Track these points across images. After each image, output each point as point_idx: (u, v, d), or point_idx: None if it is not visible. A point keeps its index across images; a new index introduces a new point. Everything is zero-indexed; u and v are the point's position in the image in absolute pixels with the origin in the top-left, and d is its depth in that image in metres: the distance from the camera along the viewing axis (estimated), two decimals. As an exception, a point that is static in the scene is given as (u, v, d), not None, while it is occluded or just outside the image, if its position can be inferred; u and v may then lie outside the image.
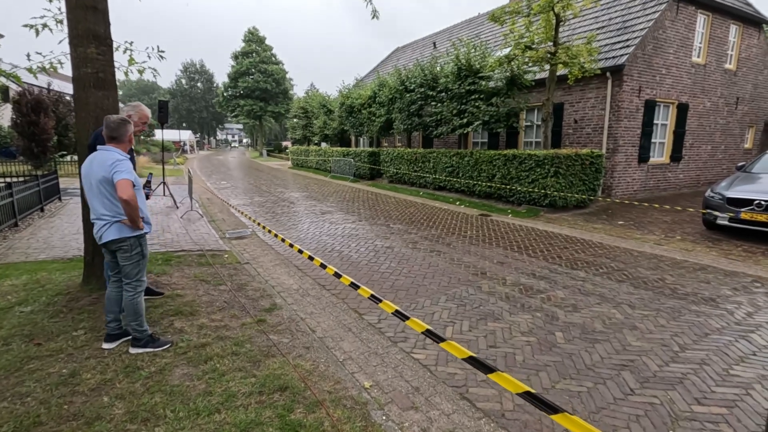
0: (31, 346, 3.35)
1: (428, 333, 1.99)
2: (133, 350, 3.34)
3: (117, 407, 2.64)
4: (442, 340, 1.90)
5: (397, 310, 2.28)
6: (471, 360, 1.79)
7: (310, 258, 3.95)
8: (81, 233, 7.34)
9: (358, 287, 2.66)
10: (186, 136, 52.72)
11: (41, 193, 9.52)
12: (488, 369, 1.65)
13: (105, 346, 3.39)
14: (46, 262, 5.71)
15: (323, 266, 3.44)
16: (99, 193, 3.14)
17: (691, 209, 9.53)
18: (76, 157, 21.21)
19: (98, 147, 3.24)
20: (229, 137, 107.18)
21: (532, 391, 1.53)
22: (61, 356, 3.22)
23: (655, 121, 12.15)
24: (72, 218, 8.87)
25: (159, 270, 5.34)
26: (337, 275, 3.21)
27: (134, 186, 3.13)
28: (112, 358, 3.23)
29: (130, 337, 3.42)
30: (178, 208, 10.52)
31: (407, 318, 2.18)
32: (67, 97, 22.86)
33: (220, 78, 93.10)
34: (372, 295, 2.51)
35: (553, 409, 1.42)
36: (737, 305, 4.53)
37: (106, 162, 3.10)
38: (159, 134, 28.61)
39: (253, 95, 48.30)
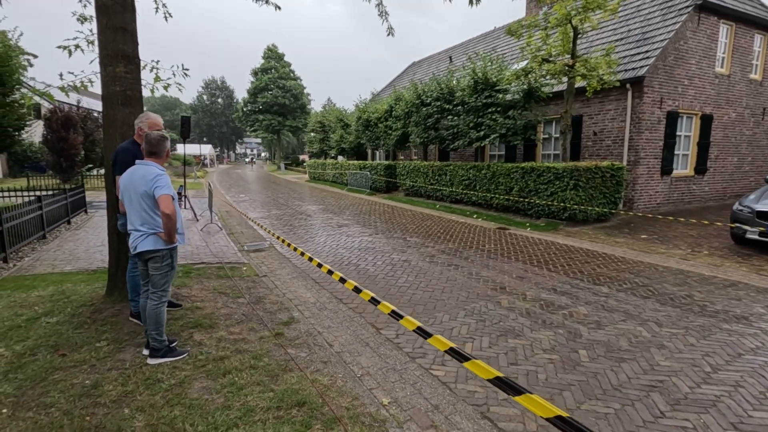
0: (55, 356, 3.42)
1: (498, 381, 1.79)
2: (151, 361, 3.38)
3: (137, 420, 2.65)
4: (520, 392, 1.67)
5: (452, 348, 2.12)
6: (561, 421, 1.53)
7: (330, 272, 3.95)
8: (104, 245, 7.55)
9: (379, 302, 2.62)
10: (207, 150, 54.00)
11: (68, 206, 9.84)
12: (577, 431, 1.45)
13: (145, 352, 3.50)
14: (72, 274, 5.86)
15: (342, 281, 3.43)
16: (139, 206, 3.27)
17: (718, 223, 9.22)
18: (102, 171, 21.94)
19: (137, 161, 3.37)
20: (248, 151, 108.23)
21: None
22: (84, 367, 3.27)
23: (678, 133, 11.89)
24: (97, 231, 9.12)
25: (179, 282, 5.41)
26: (357, 290, 3.17)
27: (173, 199, 3.23)
28: (133, 369, 3.26)
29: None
30: (198, 220, 10.71)
31: (467, 359, 2.01)
32: (95, 114, 23.75)
33: (240, 93, 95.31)
34: (419, 328, 2.37)
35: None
36: (772, 324, 4.32)
37: (147, 177, 3.23)
38: (180, 148, 29.39)
39: (272, 110, 49.27)
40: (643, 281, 5.78)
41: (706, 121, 12.39)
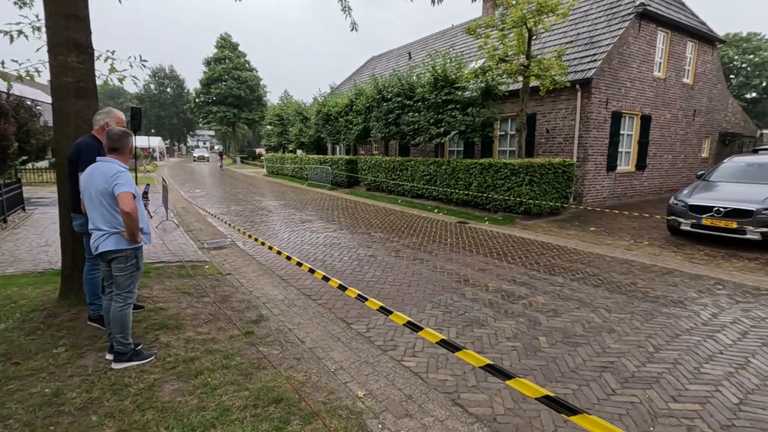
0: (8, 365, 3.21)
1: (489, 368, 2.04)
2: (116, 365, 3.26)
3: (107, 426, 2.57)
4: (510, 377, 1.95)
5: (443, 340, 2.29)
6: (549, 399, 1.80)
7: (311, 271, 3.96)
8: (49, 245, 7.08)
9: (366, 299, 2.69)
10: (156, 142, 51.08)
11: (4, 204, 9.07)
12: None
13: (108, 357, 3.36)
14: (15, 277, 5.45)
15: (326, 279, 3.46)
16: (99, 204, 3.12)
17: (657, 215, 10.03)
18: (39, 165, 20.27)
19: (98, 158, 3.21)
20: (200, 143, 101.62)
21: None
22: (42, 375, 3.10)
23: (621, 132, 12.76)
24: (39, 230, 8.49)
25: (139, 283, 5.18)
26: (342, 288, 3.21)
27: (134, 197, 3.10)
28: (97, 375, 3.13)
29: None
30: (152, 217, 10.22)
31: (459, 349, 2.20)
32: (29, 102, 21.82)
33: (191, 83, 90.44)
34: (409, 322, 2.51)
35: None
36: (703, 307, 4.82)
37: (108, 173, 3.09)
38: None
39: (226, 102, 47.46)
40: (593, 271, 6.22)
41: (646, 121, 13.38)
